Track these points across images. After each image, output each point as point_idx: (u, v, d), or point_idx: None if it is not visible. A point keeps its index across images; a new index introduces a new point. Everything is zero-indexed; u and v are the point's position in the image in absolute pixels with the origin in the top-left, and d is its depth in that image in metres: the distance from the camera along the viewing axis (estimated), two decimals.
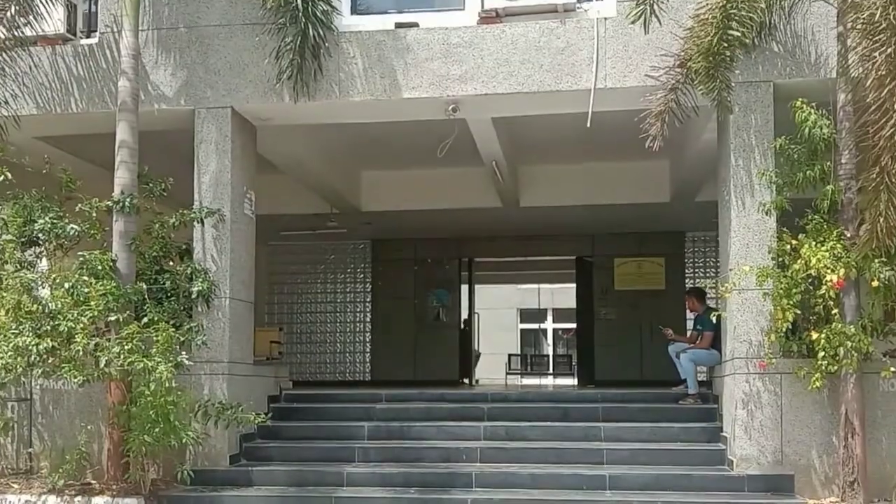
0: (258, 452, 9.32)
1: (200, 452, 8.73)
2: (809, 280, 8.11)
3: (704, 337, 10.20)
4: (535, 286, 25.44)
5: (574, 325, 27.39)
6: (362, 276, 16.20)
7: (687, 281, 15.61)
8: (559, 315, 27.48)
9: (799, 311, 8.02)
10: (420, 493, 8.22)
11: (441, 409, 10.11)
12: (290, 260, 16.31)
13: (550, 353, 25.29)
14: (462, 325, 19.75)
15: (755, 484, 8.13)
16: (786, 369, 8.28)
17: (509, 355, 21.32)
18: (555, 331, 28.37)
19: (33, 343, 7.67)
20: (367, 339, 16.02)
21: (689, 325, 14.64)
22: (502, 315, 26.10)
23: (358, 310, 16.16)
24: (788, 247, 8.22)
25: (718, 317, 9.56)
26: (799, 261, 8.00)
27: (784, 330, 8.08)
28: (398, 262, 15.89)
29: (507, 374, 20.53)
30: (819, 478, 8.15)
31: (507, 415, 9.82)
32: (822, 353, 7.83)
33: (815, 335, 7.92)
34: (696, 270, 15.71)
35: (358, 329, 16.11)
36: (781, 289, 8.07)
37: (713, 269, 15.64)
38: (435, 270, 15.98)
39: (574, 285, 17.38)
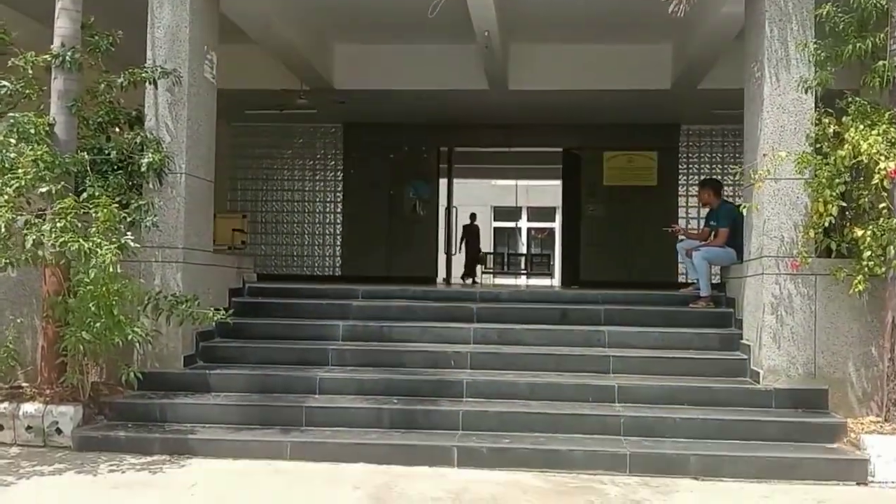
0: (217, 353, 8.10)
1: (150, 353, 7.52)
2: (852, 170, 7.01)
3: (720, 233, 9.04)
4: (512, 182, 24.16)
5: (549, 225, 26.61)
6: (333, 163, 14.79)
7: (680, 177, 14.49)
8: (534, 214, 26.41)
9: (843, 204, 6.89)
10: (404, 404, 7.10)
11: (425, 308, 8.90)
12: (255, 143, 14.85)
13: (525, 252, 24.18)
14: (471, 220, 18.70)
15: (784, 399, 7.12)
16: (821, 270, 7.21)
17: (484, 254, 20.18)
18: (528, 230, 27.28)
19: None
20: (338, 232, 14.71)
21: (683, 223, 13.69)
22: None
23: (328, 199, 14.80)
24: (830, 130, 7.06)
25: (736, 211, 8.51)
26: (844, 146, 6.82)
27: (824, 225, 6.96)
28: (373, 148, 14.47)
29: (483, 272, 19.46)
30: (856, 393, 7.16)
31: (499, 316, 8.69)
32: (867, 252, 6.74)
33: (859, 232, 6.82)
34: (691, 166, 14.55)
35: (328, 220, 14.79)
36: (824, 178, 6.92)
37: (708, 165, 14.57)
38: (412, 160, 14.60)
39: (557, 182, 16.20)
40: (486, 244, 24.54)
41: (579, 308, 8.81)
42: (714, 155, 14.53)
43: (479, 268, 18.92)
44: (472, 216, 19.39)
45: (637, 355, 7.87)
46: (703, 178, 10.96)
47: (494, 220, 26.55)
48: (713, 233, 9.27)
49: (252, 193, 14.94)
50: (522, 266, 21.32)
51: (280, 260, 14.71)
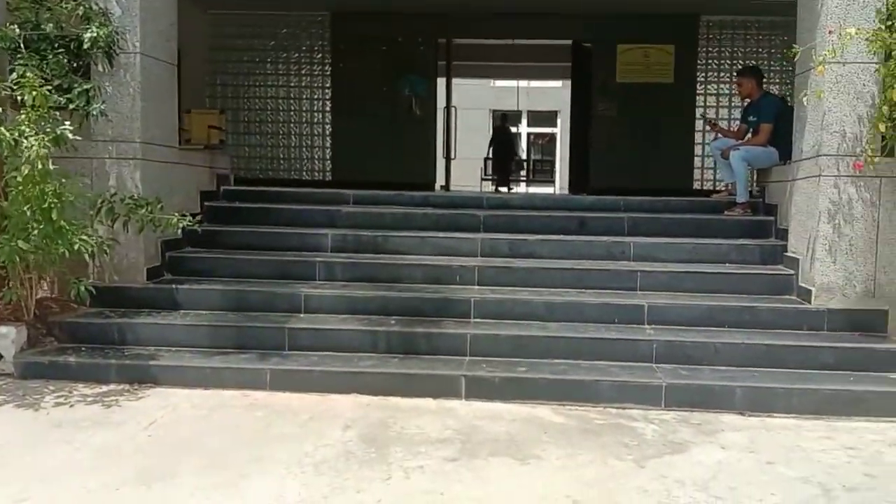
0: (187, 265, 7.12)
1: (108, 265, 6.55)
2: None
3: (762, 130, 7.89)
4: (512, 84, 22.82)
5: (550, 130, 25.38)
6: (321, 56, 13.46)
7: (699, 74, 13.26)
8: (534, 118, 25.14)
9: None
10: (403, 326, 6.15)
11: (425, 215, 7.89)
12: (234, 33, 13.44)
13: (526, 158, 22.90)
14: (502, 122, 17.41)
15: (838, 321, 6.21)
16: (888, 171, 6.20)
17: (485, 159, 19.00)
18: (529, 135, 26.00)
19: None
20: (327, 132, 13.51)
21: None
22: (472, 116, 23.66)
23: (316, 97, 13.54)
24: None
25: (781, 104, 7.49)
26: None
27: None
28: (364, 40, 13.08)
29: (482, 179, 18.38)
30: None
31: (509, 225, 7.69)
32: None
33: None
34: (710, 61, 13.28)
35: (316, 119, 13.56)
36: None
37: (729, 61, 13.30)
38: (407, 52, 13.24)
39: (559, 84, 14.91)
40: (485, 150, 23.46)
41: (599, 216, 7.81)
42: (735, 49, 13.28)
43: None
44: (503, 117, 18.15)
45: (667, 270, 6.89)
46: (740, 67, 9.35)
47: (493, 124, 25.24)
48: (751, 130, 8.18)
49: (233, 90, 13.65)
50: (523, 173, 20.18)
51: (265, 163, 13.55)
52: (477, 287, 6.75)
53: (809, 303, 6.32)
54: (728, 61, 13.32)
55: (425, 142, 13.33)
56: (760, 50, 13.00)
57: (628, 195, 8.78)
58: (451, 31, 13.54)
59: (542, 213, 7.98)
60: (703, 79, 13.26)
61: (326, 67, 13.46)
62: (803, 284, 6.51)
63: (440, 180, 14.15)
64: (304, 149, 13.53)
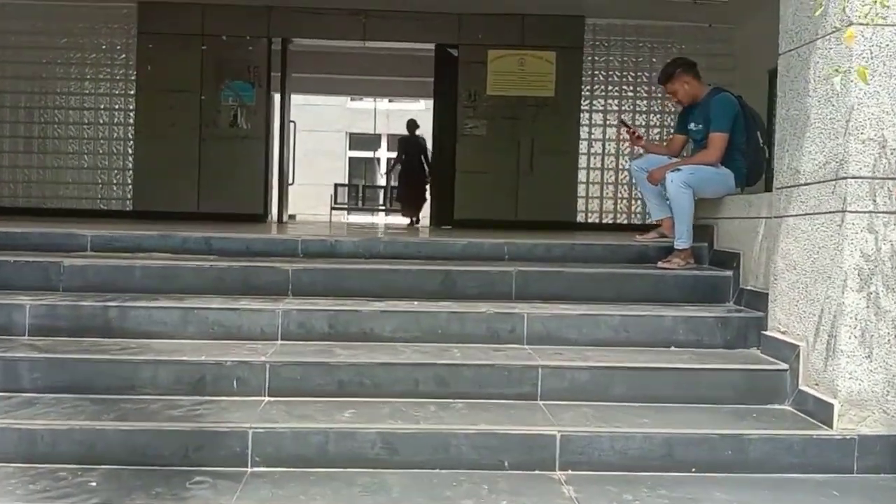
0: None
1: None
2: None
3: (713, 141, 5.05)
4: (370, 105, 19.92)
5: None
6: (124, 56, 10.08)
7: (584, 86, 10.62)
8: (394, 142, 22.38)
9: None
10: (111, 496, 2.98)
11: (199, 270, 4.65)
12: (14, 28, 10.02)
13: (385, 184, 19.80)
14: (410, 131, 13.08)
15: (876, 457, 3.45)
16: None
17: (336, 185, 15.89)
18: (389, 160, 23.16)
19: None
20: (129, 151, 10.14)
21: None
22: (325, 139, 20.74)
23: (116, 106, 10.13)
24: None
25: (738, 105, 4.87)
26: None
27: None
28: (177, 37, 9.84)
29: (333, 208, 15.24)
30: None
31: (332, 284, 4.60)
32: None
33: None
34: (597, 73, 10.71)
35: (115, 134, 10.15)
36: None
37: (618, 72, 10.77)
38: (232, 53, 10.05)
39: (421, 104, 12.02)
40: (340, 175, 20.39)
41: (473, 270, 4.80)
42: (626, 58, 10.75)
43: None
44: (412, 124, 13.28)
45: (585, 364, 3.96)
46: (664, 68, 6.01)
47: (350, 148, 22.16)
48: (692, 143, 5.37)
49: (11, 97, 10.18)
50: (381, 201, 17.19)
51: (48, 188, 10.07)
52: (266, 401, 3.66)
53: (828, 424, 3.54)
54: (618, 72, 10.78)
55: (254, 164, 10.17)
56: (655, 59, 10.48)
57: (502, 229, 5.94)
58: (287, 28, 10.42)
59: (385, 264, 4.93)
60: (588, 92, 10.66)
61: (130, 71, 10.17)
62: (807, 389, 3.74)
63: (275, 211, 10.99)
64: (98, 170, 10.13)
